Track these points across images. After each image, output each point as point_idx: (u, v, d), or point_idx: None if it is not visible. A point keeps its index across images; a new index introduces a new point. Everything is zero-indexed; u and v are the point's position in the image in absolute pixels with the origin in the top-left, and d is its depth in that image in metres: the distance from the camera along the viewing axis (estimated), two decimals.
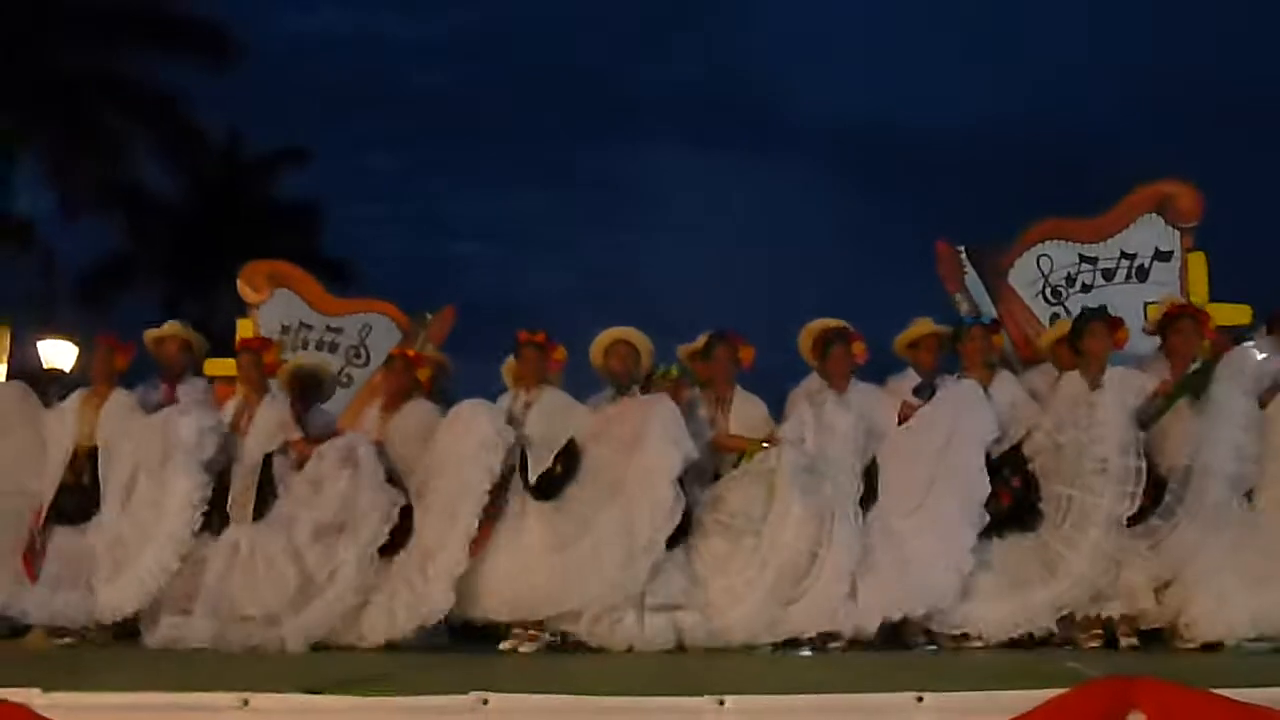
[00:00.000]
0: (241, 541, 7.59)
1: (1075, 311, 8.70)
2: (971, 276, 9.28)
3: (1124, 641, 6.97)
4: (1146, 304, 8.68)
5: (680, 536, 7.21)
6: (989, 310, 9.01)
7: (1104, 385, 7.22)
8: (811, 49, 51.86)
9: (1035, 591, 7.08)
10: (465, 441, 7.40)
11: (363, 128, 42.98)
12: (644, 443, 7.19)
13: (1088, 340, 7.47)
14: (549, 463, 7.45)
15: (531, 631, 7.29)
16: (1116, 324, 7.58)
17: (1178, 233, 9.06)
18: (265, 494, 7.77)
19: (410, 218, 47.18)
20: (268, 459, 7.89)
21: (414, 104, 47.92)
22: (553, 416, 7.69)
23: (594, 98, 51.41)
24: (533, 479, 7.43)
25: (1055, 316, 9.00)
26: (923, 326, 8.13)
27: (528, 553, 7.33)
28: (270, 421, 8.02)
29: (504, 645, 7.26)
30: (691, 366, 8.32)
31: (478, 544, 7.29)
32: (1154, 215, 9.14)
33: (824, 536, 7.04)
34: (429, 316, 10.04)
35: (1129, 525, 6.93)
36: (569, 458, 7.49)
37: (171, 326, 8.83)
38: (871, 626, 7.08)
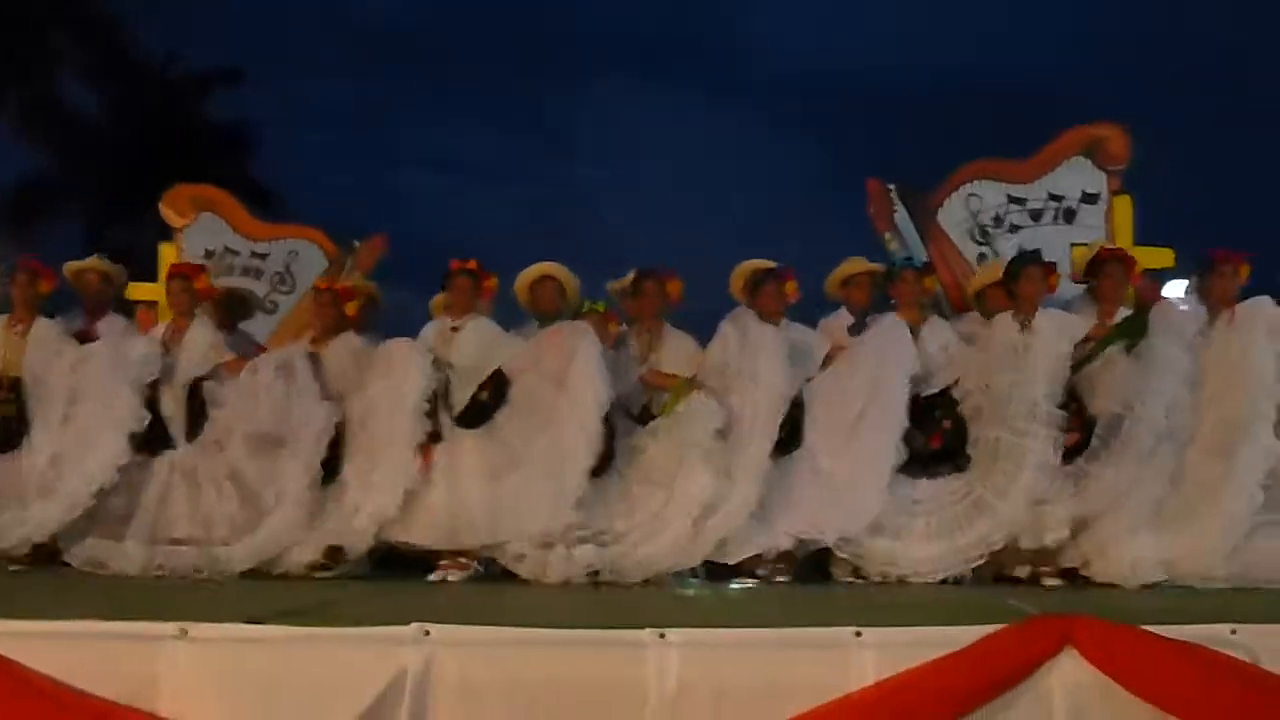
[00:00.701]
0: (176, 464, 7.49)
1: (1002, 252, 8.78)
2: (902, 215, 9.24)
3: (1047, 581, 7.02)
4: (1073, 245, 8.76)
5: (602, 470, 7.16)
6: (919, 249, 8.99)
7: (1035, 329, 7.25)
8: None
9: (964, 533, 7.12)
10: (394, 383, 7.32)
11: (306, 54, 42.09)
12: (571, 374, 7.14)
13: (1022, 283, 7.49)
14: (474, 390, 7.38)
15: (461, 560, 7.25)
16: (1050, 268, 7.61)
17: (1105, 176, 9.09)
18: (197, 418, 7.63)
19: (352, 146, 46.29)
20: (197, 383, 7.74)
21: (360, 32, 47.10)
22: (480, 345, 7.63)
23: (543, 32, 50.74)
24: (458, 407, 7.36)
25: (983, 256, 9.03)
26: (854, 265, 8.13)
27: (460, 482, 7.24)
28: (200, 345, 7.89)
29: (433, 575, 7.22)
30: (621, 303, 8.28)
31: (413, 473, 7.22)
32: (1083, 158, 9.15)
33: (735, 474, 7.05)
34: (357, 245, 9.89)
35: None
36: (497, 386, 7.40)
37: (93, 260, 8.64)
38: (785, 544, 7.12)
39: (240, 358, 7.84)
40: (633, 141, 47.56)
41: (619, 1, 49.42)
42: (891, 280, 7.91)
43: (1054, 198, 9.20)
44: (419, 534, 7.26)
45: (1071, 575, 7.10)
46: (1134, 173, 9.12)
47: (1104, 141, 9.10)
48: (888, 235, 9.17)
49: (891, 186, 9.29)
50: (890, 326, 7.44)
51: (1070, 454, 7.00)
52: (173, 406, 7.68)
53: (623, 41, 51.97)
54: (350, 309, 8.08)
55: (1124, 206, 9.03)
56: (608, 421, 7.12)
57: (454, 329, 7.74)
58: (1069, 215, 9.16)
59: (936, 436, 7.26)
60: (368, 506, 7.14)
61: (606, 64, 50.78)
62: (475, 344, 7.63)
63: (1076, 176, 9.16)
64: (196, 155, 23.83)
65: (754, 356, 7.31)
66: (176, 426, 7.64)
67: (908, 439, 7.23)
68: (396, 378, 7.31)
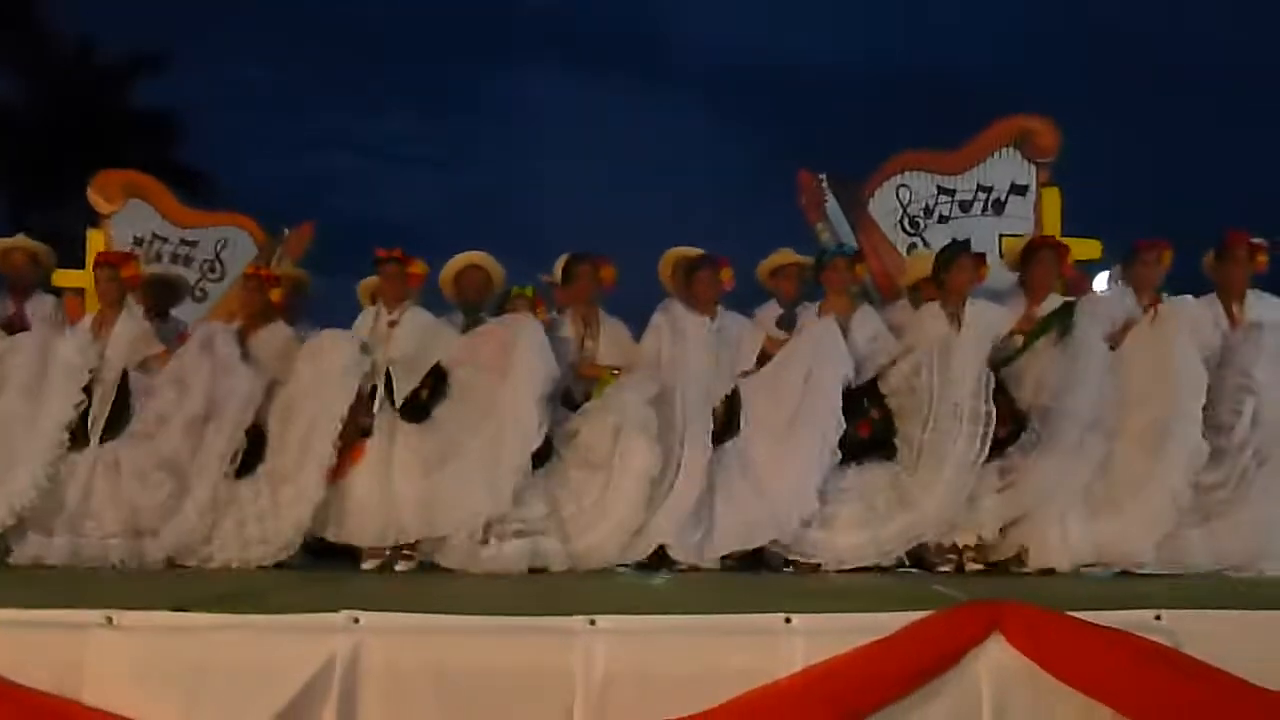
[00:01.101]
0: (103, 458, 7.33)
1: (933, 242, 8.83)
2: (833, 205, 9.28)
3: (970, 568, 7.04)
4: (1001, 236, 8.86)
5: (541, 460, 7.13)
6: (850, 240, 9.04)
7: (963, 326, 7.27)
8: None
9: (888, 524, 7.12)
10: (323, 373, 7.25)
11: (231, 37, 41.72)
12: (513, 364, 7.11)
13: (953, 274, 7.47)
14: (415, 384, 7.30)
15: (405, 551, 7.18)
16: (980, 259, 7.59)
17: (1034, 167, 9.18)
18: (122, 410, 7.48)
19: (279, 132, 45.93)
20: (125, 374, 7.58)
21: (286, 14, 46.65)
22: (418, 337, 7.55)
23: (478, 16, 50.56)
24: (399, 401, 7.27)
25: (913, 247, 9.12)
26: (783, 256, 8.12)
27: (393, 476, 7.19)
28: (129, 335, 7.70)
29: (366, 565, 7.14)
30: (553, 292, 8.25)
31: (343, 467, 7.15)
32: (1012, 149, 9.24)
33: (671, 464, 7.04)
34: (286, 232, 9.83)
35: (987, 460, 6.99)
36: (436, 380, 7.33)
37: (19, 239, 8.51)
38: (723, 551, 7.09)
39: (168, 351, 7.66)
40: (567, 128, 47.50)
41: None
42: (822, 268, 7.88)
43: (983, 189, 9.27)
44: (349, 531, 7.19)
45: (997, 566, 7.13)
46: (1062, 164, 9.21)
47: (1033, 134, 9.19)
48: (819, 225, 9.20)
49: (823, 177, 9.32)
50: (824, 327, 7.42)
51: (1000, 445, 6.99)
52: (99, 400, 7.47)
53: (559, 27, 51.96)
54: (274, 295, 7.94)
55: (1052, 198, 9.12)
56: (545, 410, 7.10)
57: (391, 323, 7.66)
58: (998, 206, 9.23)
59: (865, 425, 7.24)
60: (288, 507, 7.08)
61: (541, 50, 50.74)
62: (412, 336, 7.56)
63: (1006, 168, 9.25)
64: (121, 140, 23.60)
65: (683, 346, 7.35)
66: (102, 419, 7.43)
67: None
68: (324, 368, 7.25)
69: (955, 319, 7.34)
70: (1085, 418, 6.92)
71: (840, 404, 7.16)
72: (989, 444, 6.93)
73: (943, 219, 9.26)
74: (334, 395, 7.16)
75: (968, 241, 7.94)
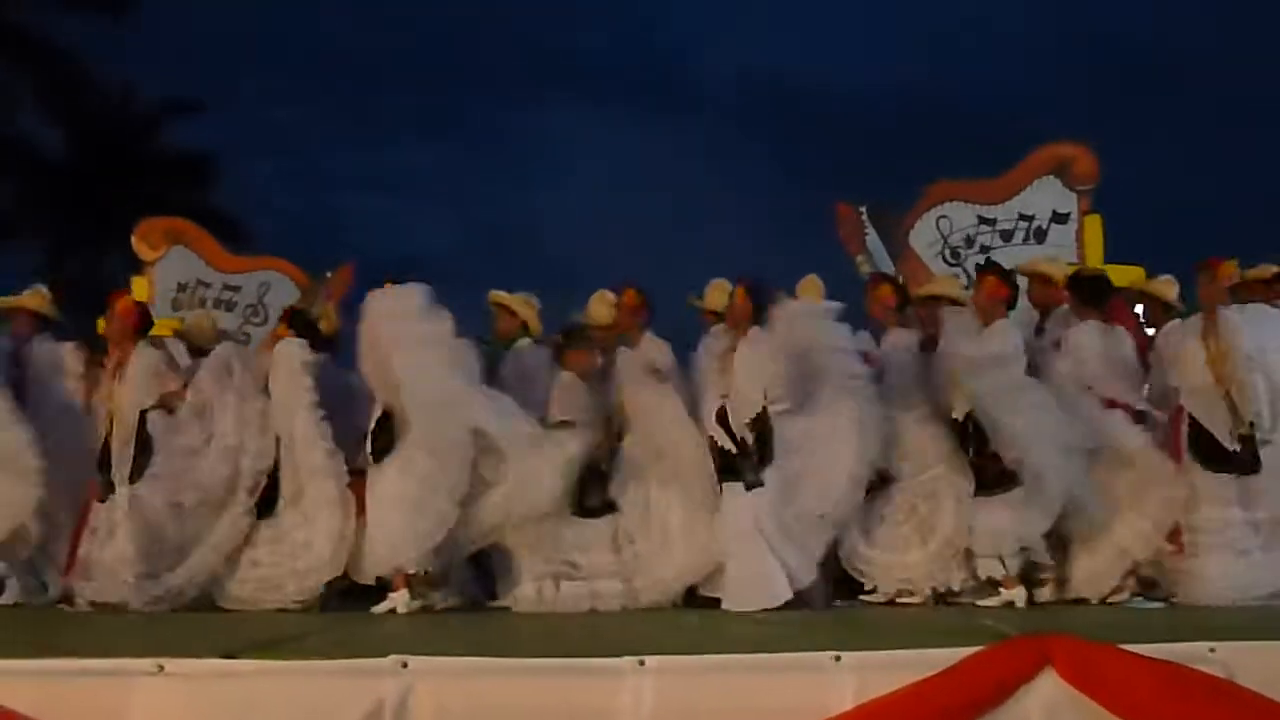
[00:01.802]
0: (124, 500, 7.25)
1: (972, 272, 8.81)
2: (873, 237, 9.39)
3: (1007, 594, 6.96)
4: None
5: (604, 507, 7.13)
6: (889, 271, 9.06)
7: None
8: (716, 6, 51.66)
9: (913, 550, 7.17)
10: (280, 380, 7.21)
11: (258, 79, 42.11)
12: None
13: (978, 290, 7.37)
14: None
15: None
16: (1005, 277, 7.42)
17: (1075, 195, 9.19)
18: (144, 450, 7.38)
19: (306, 172, 46.35)
20: (144, 415, 7.45)
21: (311, 55, 47.07)
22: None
23: (494, 51, 50.86)
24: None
25: (954, 278, 9.05)
26: (808, 284, 7.98)
27: (375, 512, 6.98)
28: (142, 373, 7.52)
29: (378, 608, 6.88)
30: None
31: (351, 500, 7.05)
32: (1052, 177, 9.29)
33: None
34: (329, 275, 9.94)
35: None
36: (382, 417, 7.09)
37: (32, 294, 8.31)
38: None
39: (185, 385, 7.55)
40: (583, 161, 47.54)
41: (566, 20, 49.40)
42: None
43: (1024, 218, 9.34)
44: (354, 569, 7.08)
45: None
46: (1103, 192, 9.21)
47: (1072, 161, 9.23)
48: (860, 258, 9.28)
49: (863, 209, 9.39)
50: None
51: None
52: (118, 444, 7.42)
53: (570, 60, 52.07)
54: (324, 325, 7.99)
55: (1094, 225, 9.12)
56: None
57: None
58: (1040, 235, 9.27)
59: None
60: (307, 550, 7.09)
61: (553, 83, 50.85)
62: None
63: (1046, 196, 9.29)
64: (158, 186, 23.78)
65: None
66: (120, 462, 7.39)
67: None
68: (278, 374, 7.22)
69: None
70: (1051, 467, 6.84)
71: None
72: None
73: (984, 249, 9.30)
74: (293, 400, 7.11)
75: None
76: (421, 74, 51.43)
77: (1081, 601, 6.96)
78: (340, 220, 41.74)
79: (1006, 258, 8.81)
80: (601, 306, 7.95)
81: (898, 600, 7.12)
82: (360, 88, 50.32)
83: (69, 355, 8.01)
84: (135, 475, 7.31)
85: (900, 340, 7.48)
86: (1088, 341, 7.19)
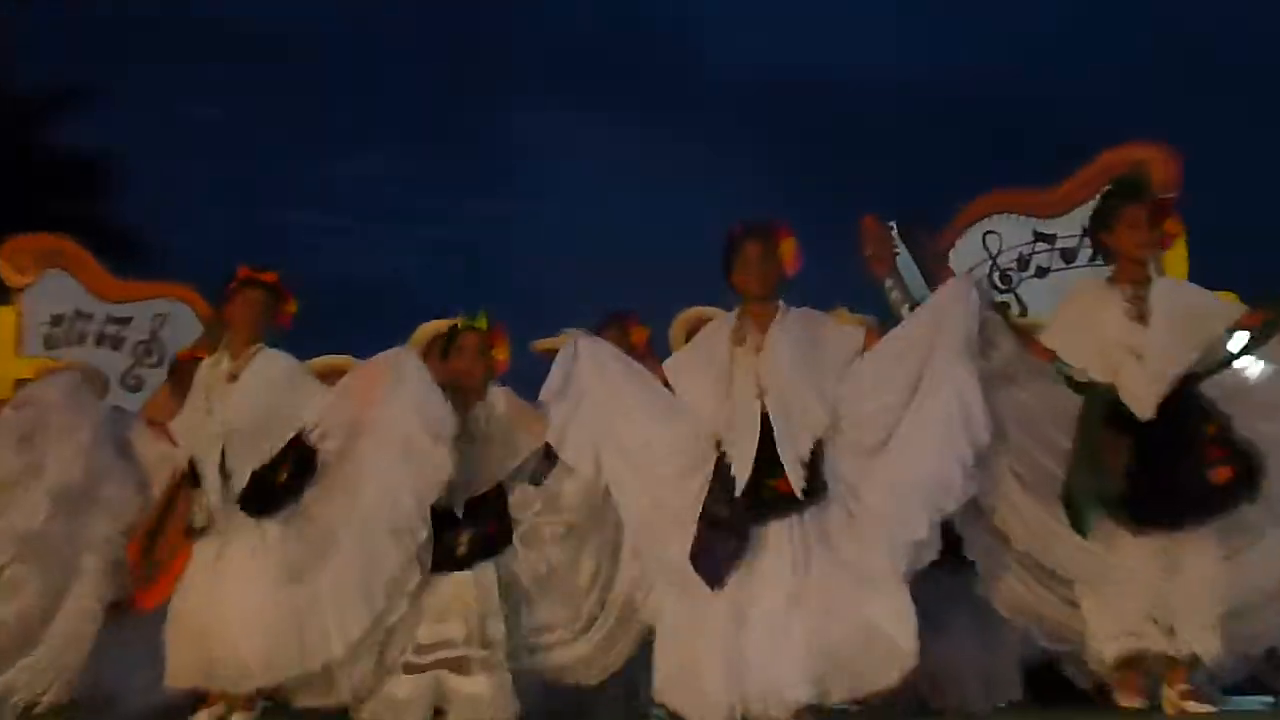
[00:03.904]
0: None
1: (1028, 300, 8.79)
2: (905, 258, 9.26)
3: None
4: None
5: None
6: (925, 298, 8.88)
7: None
8: None
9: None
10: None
11: (178, 69, 41.96)
12: (380, 421, 6.63)
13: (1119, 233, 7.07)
14: (265, 459, 6.66)
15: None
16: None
17: None
18: None
19: (234, 181, 46.16)
20: None
21: (246, 43, 46.86)
22: (269, 393, 6.84)
23: (463, 44, 50.89)
24: (239, 485, 6.63)
25: (1004, 306, 8.83)
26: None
27: (230, 592, 6.58)
28: None
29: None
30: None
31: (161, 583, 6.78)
32: None
33: None
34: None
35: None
36: (299, 459, 6.70)
37: None
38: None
39: None
40: (566, 172, 47.51)
41: (541, 10, 49.30)
42: None
43: (1089, 233, 9.01)
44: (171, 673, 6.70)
45: None
46: (1187, 204, 9.02)
47: (1147, 165, 8.99)
48: (888, 282, 9.18)
49: (892, 224, 9.29)
50: None
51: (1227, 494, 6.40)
52: None
53: (561, 54, 52.01)
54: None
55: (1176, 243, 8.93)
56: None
57: (232, 376, 6.84)
58: (1109, 254, 9.00)
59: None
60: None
61: (535, 83, 50.86)
62: (262, 392, 6.83)
63: None
64: (41, 192, 23.48)
65: None
66: None
67: None
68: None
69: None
70: None
71: None
72: None
73: (1041, 271, 9.19)
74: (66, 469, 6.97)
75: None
76: (377, 70, 51.41)
77: None
78: (275, 238, 41.55)
79: (1068, 283, 8.49)
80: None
81: None
82: (304, 85, 50.14)
83: None
84: None
85: None
86: None
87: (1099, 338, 6.63)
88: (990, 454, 6.26)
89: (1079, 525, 6.33)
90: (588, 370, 6.70)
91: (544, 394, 6.76)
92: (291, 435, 6.70)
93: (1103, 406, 6.47)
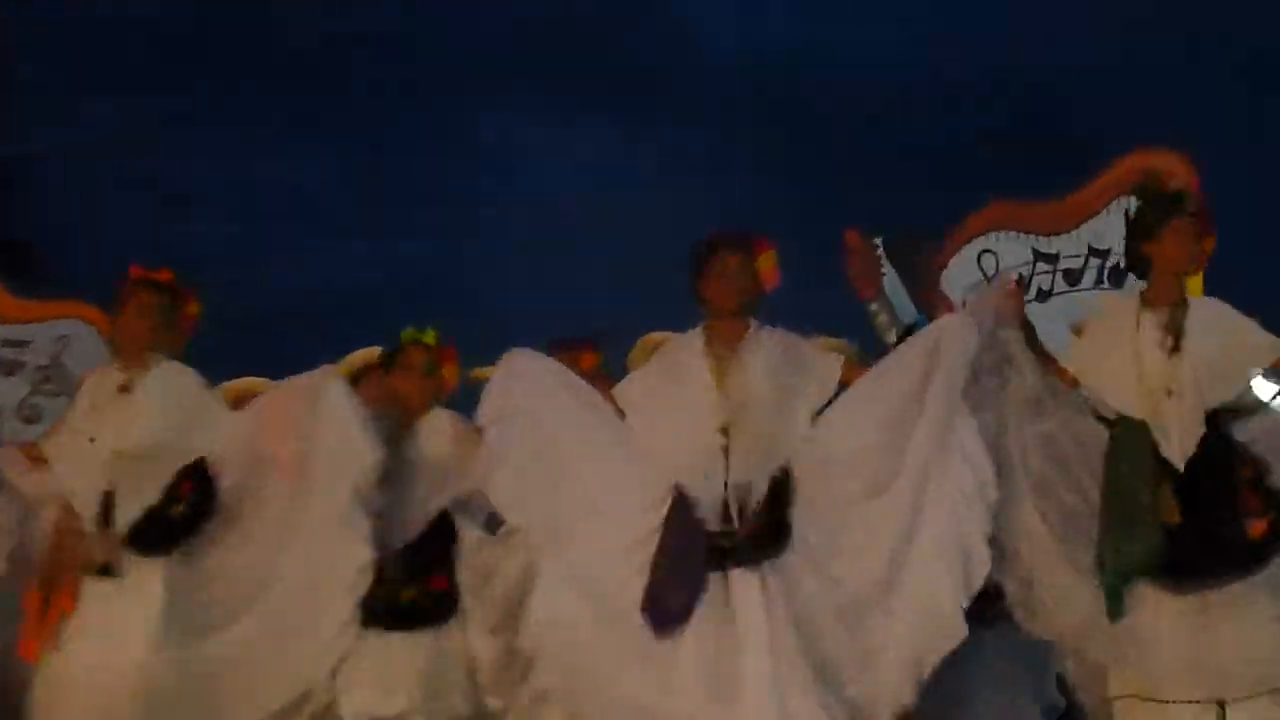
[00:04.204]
0: None
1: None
2: (892, 278, 9.02)
3: None
4: None
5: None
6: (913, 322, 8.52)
7: None
8: None
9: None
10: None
11: (80, 60, 41.70)
12: (315, 447, 6.10)
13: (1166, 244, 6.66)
14: (158, 493, 6.06)
15: None
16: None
17: None
18: None
19: (147, 185, 45.99)
20: None
21: (160, 30, 46.70)
22: (167, 412, 6.22)
23: (420, 35, 50.86)
24: (128, 518, 6.00)
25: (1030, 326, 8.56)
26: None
27: (131, 645, 5.95)
28: None
29: None
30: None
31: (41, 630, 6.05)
32: (1134, 198, 8.68)
33: None
34: None
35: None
36: (199, 488, 6.11)
37: None
38: None
39: None
40: (529, 179, 47.47)
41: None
42: None
43: (1096, 253, 9.00)
44: None
45: None
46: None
47: (1163, 176, 8.57)
48: (874, 306, 8.98)
49: (878, 241, 9.03)
50: None
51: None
52: None
53: (520, 47, 52.01)
54: None
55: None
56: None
57: (123, 388, 6.22)
58: (1116, 276, 8.84)
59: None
60: None
61: (500, 76, 50.85)
62: (158, 409, 6.23)
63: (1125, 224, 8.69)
64: None
65: None
66: None
67: None
68: None
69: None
70: None
71: None
72: None
73: (1042, 294, 8.97)
74: None
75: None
76: (306, 61, 51.21)
77: None
78: (191, 250, 41.31)
79: (1072, 307, 8.36)
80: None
81: None
82: (221, 79, 49.97)
83: None
84: None
85: None
86: None
87: (1132, 368, 6.13)
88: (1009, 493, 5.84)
89: (1112, 608, 5.83)
90: (526, 394, 6.23)
91: (478, 419, 6.18)
92: (190, 462, 6.12)
93: (1133, 447, 6.05)
